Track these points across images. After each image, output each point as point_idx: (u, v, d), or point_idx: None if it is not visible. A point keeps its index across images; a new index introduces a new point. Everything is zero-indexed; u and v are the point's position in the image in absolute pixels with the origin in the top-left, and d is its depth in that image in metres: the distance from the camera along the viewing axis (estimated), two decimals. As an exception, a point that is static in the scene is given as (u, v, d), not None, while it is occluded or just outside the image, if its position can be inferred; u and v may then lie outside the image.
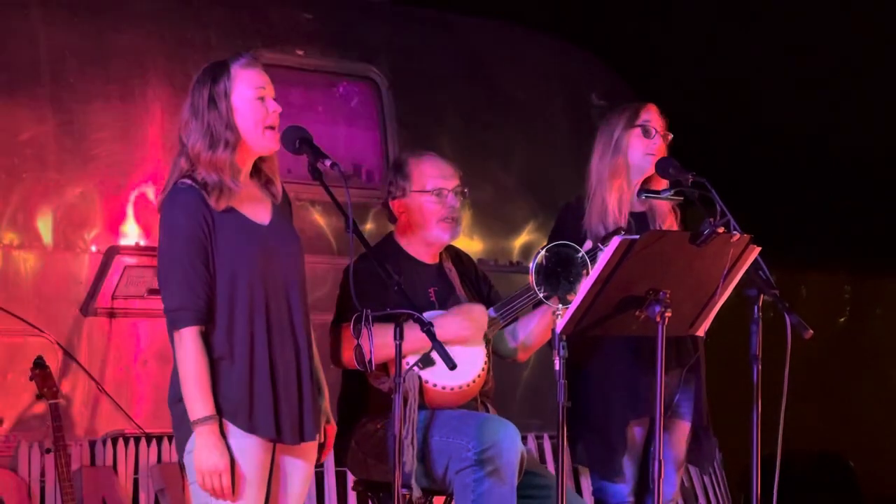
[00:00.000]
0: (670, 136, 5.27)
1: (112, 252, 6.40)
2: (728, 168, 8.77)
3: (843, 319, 11.23)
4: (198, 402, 4.17)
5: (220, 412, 4.20)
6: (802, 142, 9.04)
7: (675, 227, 5.25)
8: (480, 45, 7.98)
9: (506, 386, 7.33)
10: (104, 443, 6.40)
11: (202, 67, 4.40)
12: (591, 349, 5.10)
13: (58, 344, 6.31)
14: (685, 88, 8.89)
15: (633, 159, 5.24)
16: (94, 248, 6.45)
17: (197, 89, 4.32)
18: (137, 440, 6.47)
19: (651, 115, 5.27)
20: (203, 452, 4.17)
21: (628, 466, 5.16)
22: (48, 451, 5.90)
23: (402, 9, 7.83)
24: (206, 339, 4.21)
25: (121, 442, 6.44)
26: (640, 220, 5.22)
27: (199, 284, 4.19)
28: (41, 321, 6.29)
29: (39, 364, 5.88)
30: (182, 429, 4.26)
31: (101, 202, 6.48)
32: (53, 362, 6.23)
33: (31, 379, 5.86)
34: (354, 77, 7.39)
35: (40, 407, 6.00)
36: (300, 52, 7.20)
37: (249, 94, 4.31)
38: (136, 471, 6.46)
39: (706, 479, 7.83)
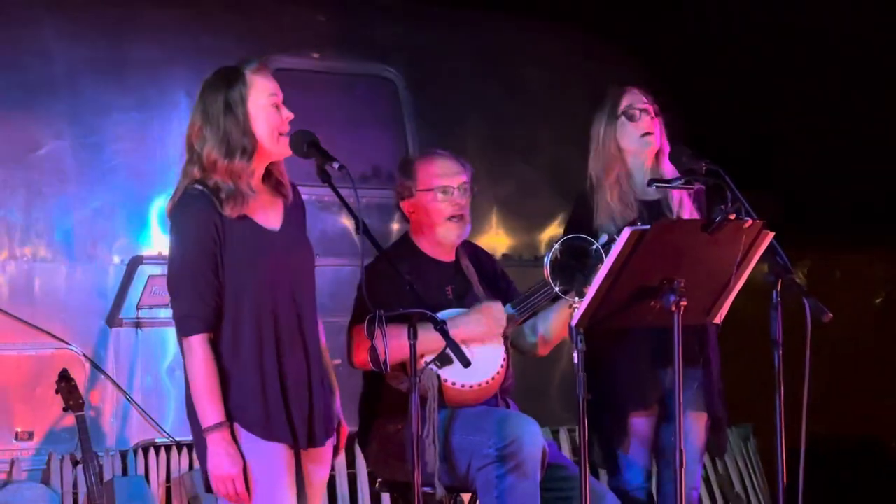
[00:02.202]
0: (653, 112, 5.20)
1: (135, 262, 6.44)
2: (758, 151, 8.75)
3: (879, 300, 11.15)
4: (208, 409, 4.18)
5: (235, 420, 4.20)
6: (835, 122, 8.97)
7: (695, 214, 5.21)
8: (497, 40, 7.96)
9: (542, 380, 7.35)
10: (135, 452, 6.44)
11: (212, 72, 4.37)
12: (602, 342, 5.07)
13: (85, 356, 6.36)
14: (709, 73, 8.85)
15: (628, 146, 5.20)
16: (117, 260, 6.48)
17: (210, 95, 4.29)
18: (168, 449, 6.51)
19: (631, 99, 5.22)
20: (215, 459, 4.17)
21: (636, 456, 5.14)
22: (77, 462, 5.92)
23: (416, 7, 7.82)
24: (216, 347, 4.21)
25: (152, 451, 6.48)
26: (652, 209, 5.17)
27: (207, 292, 4.19)
28: (68, 334, 6.33)
29: (65, 377, 5.91)
30: (201, 437, 4.27)
31: (123, 213, 6.52)
32: (81, 375, 6.27)
33: (56, 392, 5.89)
34: (371, 77, 7.39)
35: (70, 419, 6.01)
36: (315, 55, 7.21)
37: (265, 100, 4.29)
38: (167, 479, 6.48)
39: (741, 464, 7.81)
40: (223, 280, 4.21)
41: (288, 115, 4.35)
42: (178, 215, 4.26)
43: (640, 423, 5.15)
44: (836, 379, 8.35)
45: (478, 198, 7.49)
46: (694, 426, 5.22)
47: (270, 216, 4.35)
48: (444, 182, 5.08)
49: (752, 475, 7.82)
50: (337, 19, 7.41)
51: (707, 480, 7.64)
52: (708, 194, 5.17)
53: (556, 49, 8.12)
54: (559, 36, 8.20)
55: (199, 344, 4.18)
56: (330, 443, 4.42)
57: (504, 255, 7.58)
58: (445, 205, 5.06)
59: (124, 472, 6.36)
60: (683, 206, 5.18)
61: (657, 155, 5.22)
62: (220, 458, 4.17)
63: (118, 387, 6.41)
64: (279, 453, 4.25)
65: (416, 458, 4.31)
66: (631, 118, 5.20)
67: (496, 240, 7.70)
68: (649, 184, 5.06)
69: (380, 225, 6.98)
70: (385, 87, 7.40)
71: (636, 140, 5.20)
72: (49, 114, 6.46)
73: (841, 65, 8.80)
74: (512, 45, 8.00)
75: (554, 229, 7.76)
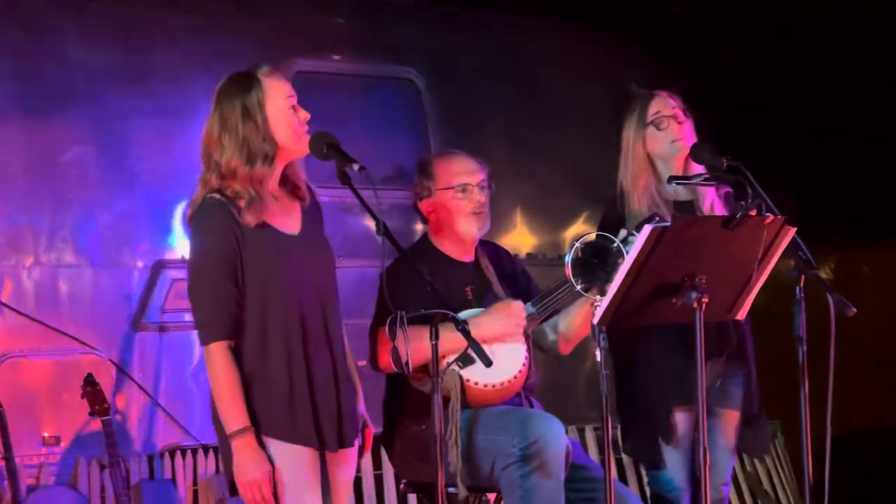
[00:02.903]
0: (684, 114, 5.19)
1: (159, 266, 6.47)
2: (782, 148, 8.71)
3: (908, 294, 11.10)
4: (232, 415, 4.18)
5: (262, 426, 4.21)
6: (858, 117, 8.93)
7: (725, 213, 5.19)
8: (517, 41, 7.98)
9: (568, 378, 7.34)
10: (162, 456, 6.47)
11: (224, 79, 4.36)
12: (636, 338, 5.07)
13: (110, 360, 6.39)
14: (728, 69, 8.82)
15: (657, 152, 5.20)
16: (141, 264, 6.51)
17: (226, 101, 4.28)
18: (195, 451, 6.52)
19: (658, 106, 5.20)
20: (241, 465, 4.18)
21: (675, 454, 5.13)
22: (103, 467, 5.94)
23: (437, 9, 7.82)
24: (240, 354, 4.22)
25: (178, 454, 6.50)
26: (683, 210, 5.17)
27: (226, 300, 4.19)
28: (93, 339, 6.37)
29: (90, 381, 5.94)
30: (226, 444, 4.28)
31: (146, 218, 6.56)
32: (107, 379, 6.30)
33: (82, 397, 5.91)
34: (392, 79, 7.40)
35: (97, 424, 6.03)
36: (337, 58, 7.23)
37: (282, 103, 4.29)
38: (194, 482, 6.50)
39: (769, 461, 7.78)
40: (244, 288, 4.21)
41: (305, 115, 4.35)
42: (197, 224, 4.26)
43: (682, 419, 5.14)
44: (865, 373, 8.32)
45: (500, 197, 7.51)
46: (729, 423, 5.22)
47: (289, 221, 4.36)
48: (463, 180, 5.08)
49: (780, 472, 7.80)
50: (357, 21, 7.43)
51: (735, 479, 7.62)
52: (732, 193, 5.17)
53: (572, 48, 8.12)
54: (575, 34, 8.19)
55: (218, 351, 4.19)
56: (356, 443, 4.43)
57: (527, 255, 7.58)
58: (465, 202, 5.06)
59: (151, 476, 6.39)
60: (715, 208, 5.17)
61: (687, 158, 5.21)
62: (246, 463, 4.17)
63: (144, 391, 6.44)
64: (306, 457, 4.26)
65: (440, 458, 4.31)
66: (658, 127, 5.20)
67: (519, 239, 7.71)
68: (669, 181, 5.06)
69: (404, 226, 6.99)
70: (406, 88, 7.41)
71: (666, 147, 5.19)
72: (72, 121, 6.50)
73: (863, 57, 8.76)
74: (532, 45, 8.01)
75: (576, 227, 7.76)
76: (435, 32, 7.68)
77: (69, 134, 6.48)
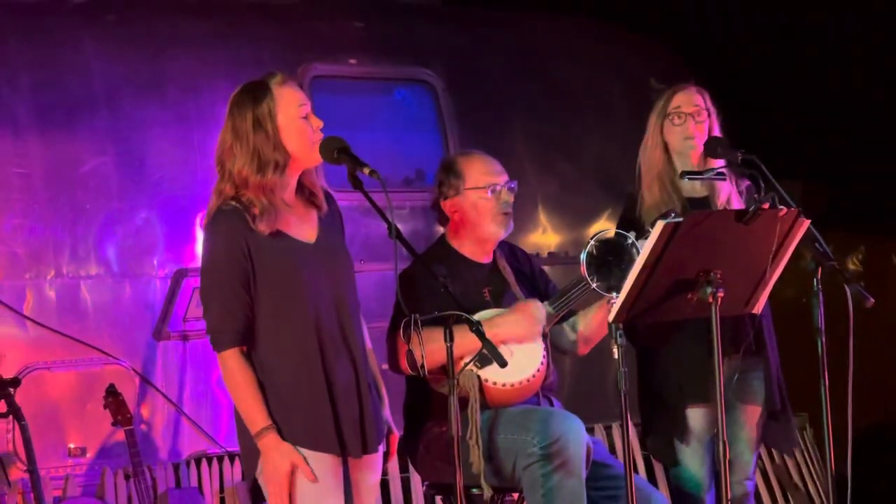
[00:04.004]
0: (706, 114, 5.19)
1: (180, 275, 6.47)
2: (806, 142, 8.67)
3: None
4: (255, 415, 4.22)
5: (281, 435, 4.22)
6: (881, 107, 8.88)
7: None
8: (534, 39, 7.95)
9: (596, 374, 7.32)
10: (188, 464, 6.47)
11: (237, 88, 4.38)
12: (654, 335, 5.06)
13: (134, 370, 6.40)
14: (749, 62, 8.79)
15: (673, 144, 5.23)
16: (162, 273, 6.52)
17: (237, 111, 4.30)
18: (220, 459, 6.53)
19: (681, 100, 5.22)
20: (270, 463, 4.22)
21: (694, 451, 5.12)
22: (128, 477, 5.96)
23: (452, 9, 7.82)
24: (256, 363, 4.25)
25: (204, 462, 6.50)
26: (699, 206, 5.16)
27: (236, 306, 4.22)
28: (115, 349, 6.38)
29: (112, 392, 5.95)
30: (249, 449, 4.30)
31: (166, 226, 6.56)
32: (130, 389, 6.32)
33: (105, 407, 5.93)
34: (410, 81, 7.39)
35: (122, 434, 6.05)
36: (353, 62, 7.22)
37: (294, 112, 4.30)
38: (221, 489, 6.51)
39: (798, 454, 7.74)
40: (257, 296, 4.24)
41: (318, 123, 4.35)
42: (209, 232, 4.29)
43: (698, 415, 5.12)
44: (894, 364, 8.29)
45: (522, 196, 7.48)
46: (750, 418, 5.20)
47: (305, 229, 4.37)
48: (492, 180, 5.09)
49: (809, 465, 7.76)
50: (374, 24, 7.42)
51: (765, 472, 7.58)
52: (749, 187, 5.15)
53: (590, 45, 8.10)
54: (593, 31, 8.17)
55: (231, 358, 4.23)
56: (381, 448, 4.44)
57: (549, 254, 7.56)
58: (494, 202, 5.06)
59: (178, 485, 6.39)
60: (732, 204, 5.15)
61: (704, 155, 5.20)
62: (274, 461, 4.21)
63: (168, 399, 6.45)
64: (328, 463, 4.27)
65: (458, 459, 4.30)
66: (674, 121, 5.21)
67: (542, 238, 7.69)
68: (681, 176, 5.05)
69: (425, 227, 7.00)
70: (424, 89, 7.40)
71: (679, 143, 5.22)
72: (91, 131, 6.51)
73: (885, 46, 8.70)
74: (549, 43, 7.99)
75: (600, 225, 7.73)
76: (452, 33, 7.67)
77: (88, 145, 6.48)
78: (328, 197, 4.50)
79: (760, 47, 8.72)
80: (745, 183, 5.17)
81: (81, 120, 6.48)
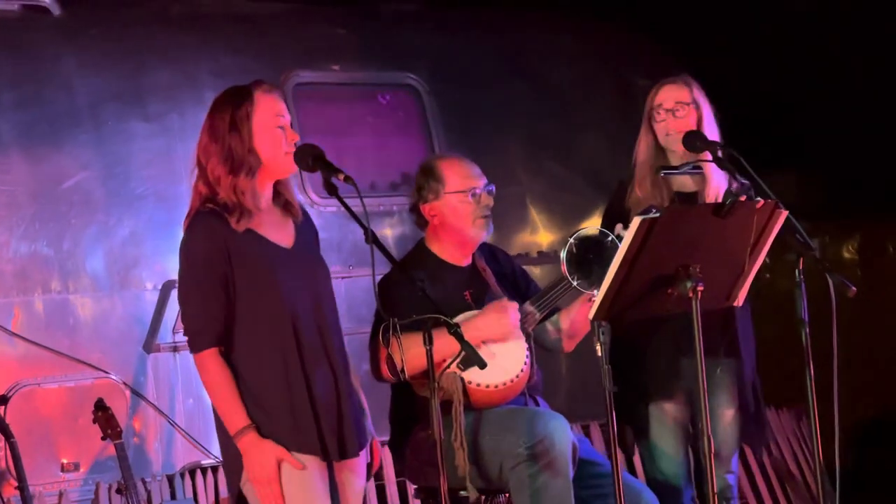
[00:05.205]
0: (689, 107, 5.18)
1: (168, 287, 6.45)
2: (801, 131, 8.64)
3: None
4: (233, 415, 4.23)
5: (264, 436, 4.22)
6: (885, 92, 8.85)
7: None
8: (519, 38, 7.93)
9: (590, 374, 7.28)
10: (182, 476, 6.46)
11: (222, 91, 4.43)
12: (634, 333, 5.04)
13: (125, 384, 6.39)
14: (741, 52, 8.77)
15: (661, 142, 5.23)
16: (150, 286, 6.51)
17: (217, 112, 4.35)
18: (215, 469, 6.51)
19: (663, 97, 5.23)
20: (253, 462, 4.21)
21: (668, 445, 5.12)
22: (118, 491, 5.95)
23: (436, 11, 7.79)
24: (235, 365, 4.25)
25: (198, 473, 6.49)
26: (688, 201, 5.17)
27: (216, 307, 4.23)
28: (106, 363, 6.37)
29: (100, 406, 5.93)
30: (230, 453, 4.29)
31: (153, 239, 6.55)
32: (122, 402, 6.32)
33: (94, 422, 5.91)
34: (394, 86, 7.39)
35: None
36: (336, 68, 7.22)
37: (270, 120, 4.33)
38: (216, 500, 6.50)
39: (794, 445, 7.74)
40: (235, 297, 4.25)
41: (293, 136, 4.37)
42: (190, 234, 4.31)
43: (670, 413, 5.13)
44: (893, 353, 8.27)
45: (512, 196, 7.53)
46: (725, 415, 5.20)
47: (282, 235, 4.39)
48: (472, 184, 5.07)
49: (807, 456, 7.75)
50: (356, 30, 7.42)
51: (762, 463, 7.58)
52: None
53: (575, 42, 8.08)
54: (578, 29, 8.15)
55: (210, 358, 4.24)
56: (364, 454, 4.44)
57: (540, 252, 7.55)
58: (475, 206, 5.04)
59: (172, 497, 6.38)
60: (720, 198, 5.14)
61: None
62: (258, 458, 4.20)
63: (160, 412, 6.44)
64: (310, 465, 4.27)
65: (441, 462, 4.29)
66: (656, 117, 5.22)
67: (532, 237, 7.68)
68: (657, 172, 5.05)
69: (413, 231, 6.96)
70: (409, 94, 7.39)
71: (663, 137, 5.23)
72: (74, 145, 6.51)
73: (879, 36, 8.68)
74: (535, 42, 7.96)
75: (590, 223, 7.70)
76: (435, 36, 7.66)
77: (72, 159, 6.48)
78: (304, 212, 4.52)
79: (753, 36, 8.69)
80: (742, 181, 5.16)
81: (65, 134, 6.49)
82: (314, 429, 4.27)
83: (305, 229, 4.49)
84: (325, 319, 4.38)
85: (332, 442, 4.30)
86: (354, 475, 4.44)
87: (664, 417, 5.14)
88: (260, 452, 4.20)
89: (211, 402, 4.29)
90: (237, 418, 4.22)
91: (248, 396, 4.24)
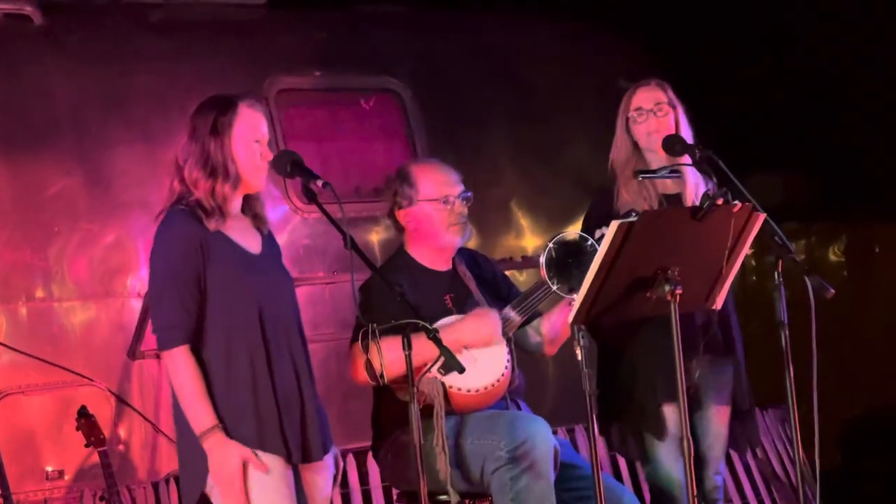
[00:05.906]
0: (668, 108, 5.19)
1: (152, 294, 6.43)
2: (786, 132, 8.65)
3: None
4: (202, 413, 4.24)
5: (229, 436, 4.24)
6: (866, 92, 8.86)
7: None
8: (501, 42, 7.93)
9: (577, 377, 7.30)
10: (167, 482, 6.44)
11: (209, 96, 4.49)
12: (623, 333, 5.06)
13: (109, 391, 6.38)
14: (726, 55, 8.77)
15: (641, 143, 5.25)
16: (134, 292, 6.51)
17: (200, 115, 4.41)
18: (199, 476, 6.50)
19: (641, 98, 5.24)
20: (218, 462, 4.21)
21: (669, 448, 5.11)
22: (102, 498, 5.95)
23: (416, 14, 7.79)
24: (204, 363, 4.27)
25: (183, 480, 6.48)
26: (672, 203, 5.17)
27: (190, 303, 4.26)
28: (90, 370, 6.36)
29: (84, 414, 5.93)
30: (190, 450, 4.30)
31: (136, 245, 6.55)
32: (107, 409, 6.31)
33: (77, 429, 5.91)
34: (376, 90, 7.39)
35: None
36: (318, 73, 7.22)
37: (249, 133, 4.39)
38: (201, 505, 6.49)
39: (779, 446, 7.75)
40: (206, 296, 4.28)
41: (268, 154, 4.43)
42: (164, 230, 4.36)
43: (671, 414, 5.13)
44: (879, 355, 8.27)
45: (496, 200, 7.53)
46: (717, 416, 5.20)
47: (251, 242, 4.46)
48: (446, 191, 5.07)
49: (792, 457, 7.75)
50: (337, 35, 7.41)
51: (747, 465, 7.58)
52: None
53: (558, 45, 8.07)
54: (560, 32, 8.15)
55: (181, 355, 4.25)
56: (329, 460, 4.46)
57: (524, 257, 7.55)
58: (448, 214, 5.05)
59: (157, 503, 6.38)
60: (699, 198, 5.15)
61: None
62: (224, 458, 4.21)
63: (145, 418, 6.44)
64: (275, 466, 4.30)
65: (421, 466, 4.31)
66: (636, 119, 5.22)
67: (517, 241, 7.69)
68: (635, 176, 5.06)
69: (398, 236, 6.98)
70: (391, 98, 7.39)
71: (645, 137, 5.23)
72: (56, 153, 6.51)
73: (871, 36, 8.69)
74: (517, 45, 7.96)
75: (574, 228, 7.71)
76: (416, 40, 7.65)
77: (55, 166, 6.48)
78: (269, 230, 4.59)
79: (736, 39, 8.70)
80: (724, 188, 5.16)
81: (47, 142, 6.49)
82: (278, 430, 4.31)
83: (271, 242, 4.57)
84: (292, 327, 4.44)
85: (296, 445, 4.34)
86: (321, 479, 4.48)
87: (667, 418, 5.13)
88: (226, 452, 4.22)
89: (177, 400, 4.29)
90: (205, 418, 4.23)
91: (213, 395, 4.26)
